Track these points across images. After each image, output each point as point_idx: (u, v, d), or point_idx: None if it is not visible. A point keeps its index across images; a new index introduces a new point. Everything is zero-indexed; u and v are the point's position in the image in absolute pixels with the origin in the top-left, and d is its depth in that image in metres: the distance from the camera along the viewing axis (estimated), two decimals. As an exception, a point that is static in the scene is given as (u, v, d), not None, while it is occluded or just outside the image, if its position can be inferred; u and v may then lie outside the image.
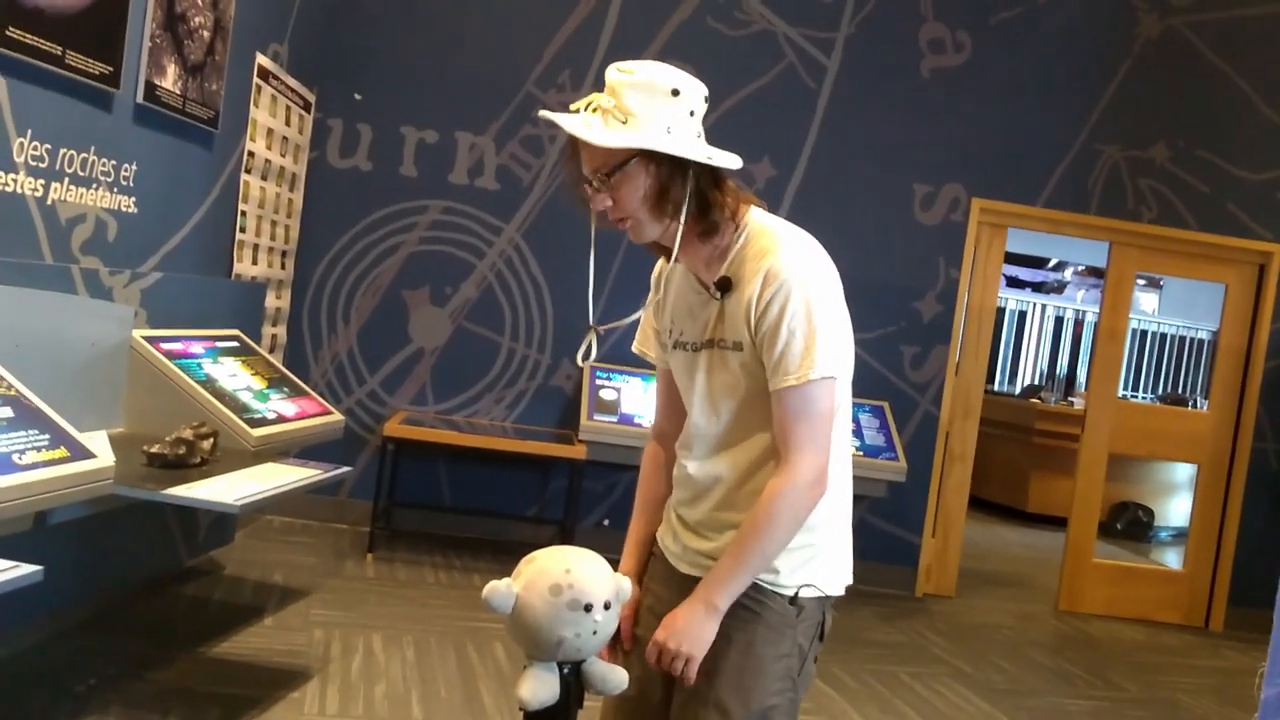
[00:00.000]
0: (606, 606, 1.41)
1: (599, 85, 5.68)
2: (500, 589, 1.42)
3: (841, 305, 1.76)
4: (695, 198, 1.72)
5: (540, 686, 1.42)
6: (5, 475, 2.53)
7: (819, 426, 1.68)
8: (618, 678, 1.51)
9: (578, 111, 1.71)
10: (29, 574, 2.17)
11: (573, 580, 1.40)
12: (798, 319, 1.67)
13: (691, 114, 1.72)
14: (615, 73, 1.72)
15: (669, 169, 1.70)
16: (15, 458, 2.61)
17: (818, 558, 1.78)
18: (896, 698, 4.30)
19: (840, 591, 1.83)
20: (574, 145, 1.75)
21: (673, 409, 1.92)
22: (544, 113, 1.75)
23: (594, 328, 1.81)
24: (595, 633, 1.41)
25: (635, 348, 1.96)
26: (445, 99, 5.82)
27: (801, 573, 1.76)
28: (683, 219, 1.72)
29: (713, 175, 1.74)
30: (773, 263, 1.70)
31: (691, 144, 1.71)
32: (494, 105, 5.81)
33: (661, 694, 1.84)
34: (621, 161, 1.68)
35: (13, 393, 2.82)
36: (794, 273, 1.70)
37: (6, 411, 2.73)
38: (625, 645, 1.85)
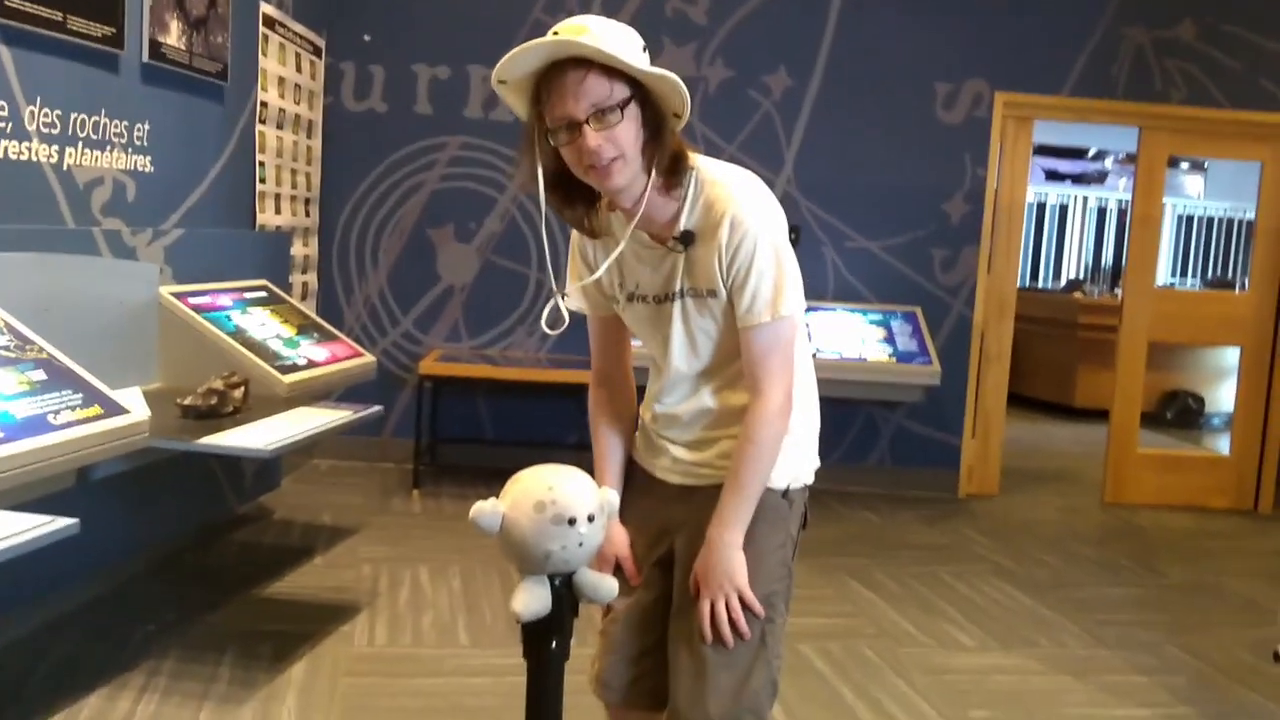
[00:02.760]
0: (590, 519, 1.46)
1: (609, 6, 5.62)
2: (486, 509, 1.47)
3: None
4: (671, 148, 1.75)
5: (532, 599, 1.48)
6: (41, 435, 2.62)
7: (785, 358, 1.82)
8: (608, 586, 1.56)
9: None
10: (66, 527, 2.25)
11: (555, 496, 1.45)
12: (766, 262, 1.76)
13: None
14: (588, 19, 1.68)
15: (654, 115, 1.71)
16: (50, 418, 2.70)
17: (797, 453, 1.91)
18: (939, 598, 4.35)
19: (812, 479, 1.97)
20: (543, 93, 1.68)
21: (612, 352, 2.03)
22: (560, 34, 1.65)
23: (558, 293, 1.88)
24: (581, 544, 1.46)
25: (569, 305, 1.92)
26: (454, 33, 5.80)
27: (788, 469, 1.89)
28: (653, 172, 1.74)
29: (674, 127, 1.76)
30: (735, 210, 1.76)
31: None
32: (503, 35, 5.70)
33: (657, 593, 1.94)
34: (627, 99, 1.67)
35: (44, 355, 2.91)
36: (756, 219, 1.77)
37: (39, 374, 2.82)
38: (632, 581, 1.94)
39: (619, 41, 1.67)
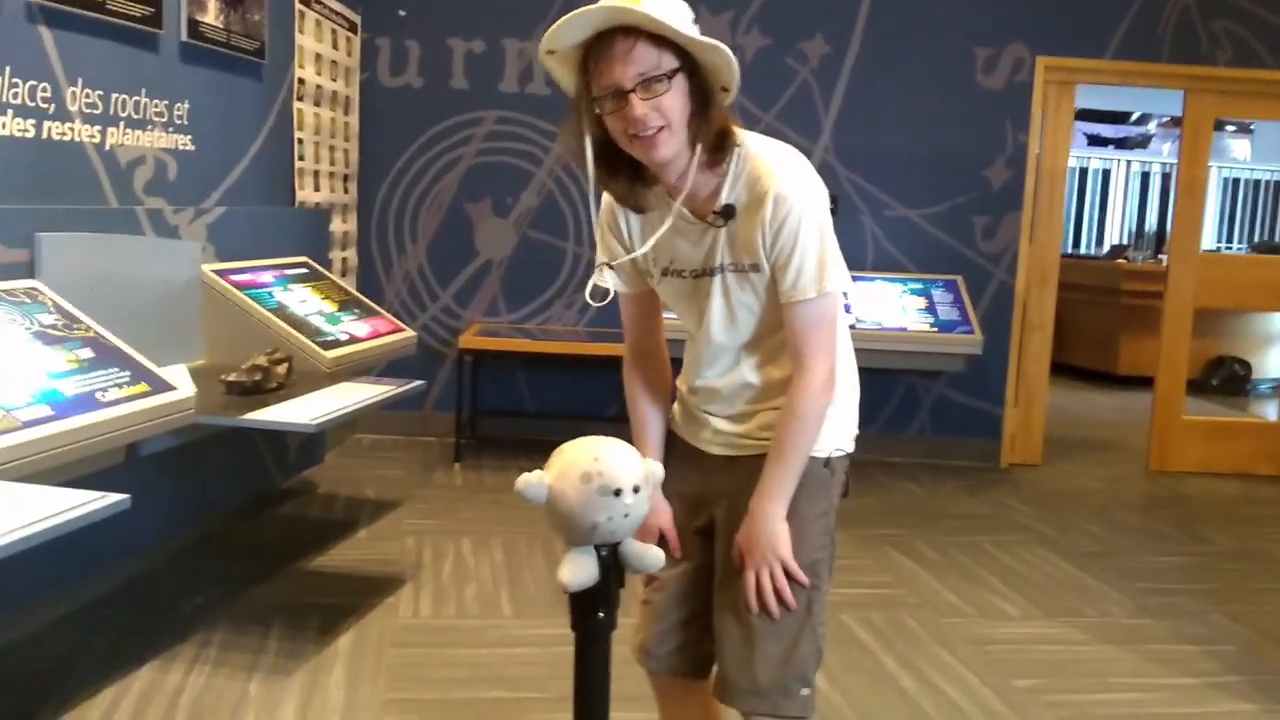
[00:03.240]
0: (636, 490, 1.46)
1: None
2: (533, 481, 1.47)
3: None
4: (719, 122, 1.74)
5: (579, 569, 1.48)
6: (90, 412, 2.67)
7: (830, 332, 1.81)
8: (653, 556, 1.56)
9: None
10: (117, 502, 2.28)
11: (601, 468, 1.45)
12: (810, 238, 1.75)
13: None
14: None
15: (704, 85, 1.70)
16: (99, 395, 2.74)
17: (839, 422, 1.91)
18: (980, 566, 4.33)
19: (853, 447, 1.97)
20: (590, 62, 1.67)
21: (646, 327, 2.03)
22: (603, 5, 1.63)
23: (604, 264, 1.89)
24: (626, 515, 1.46)
25: (602, 283, 1.94)
26: (488, 7, 5.79)
27: (830, 439, 1.89)
28: (698, 147, 1.72)
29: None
30: (779, 187, 1.74)
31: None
32: (537, 9, 5.74)
33: (700, 561, 1.95)
34: (676, 69, 1.66)
35: (91, 334, 2.95)
36: (801, 195, 1.75)
37: (86, 353, 2.86)
38: (675, 553, 1.94)
39: (670, 10, 1.65)
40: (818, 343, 1.79)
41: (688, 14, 1.69)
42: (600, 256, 1.95)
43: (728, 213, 1.78)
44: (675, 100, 1.67)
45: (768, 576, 1.81)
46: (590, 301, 1.84)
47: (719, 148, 1.74)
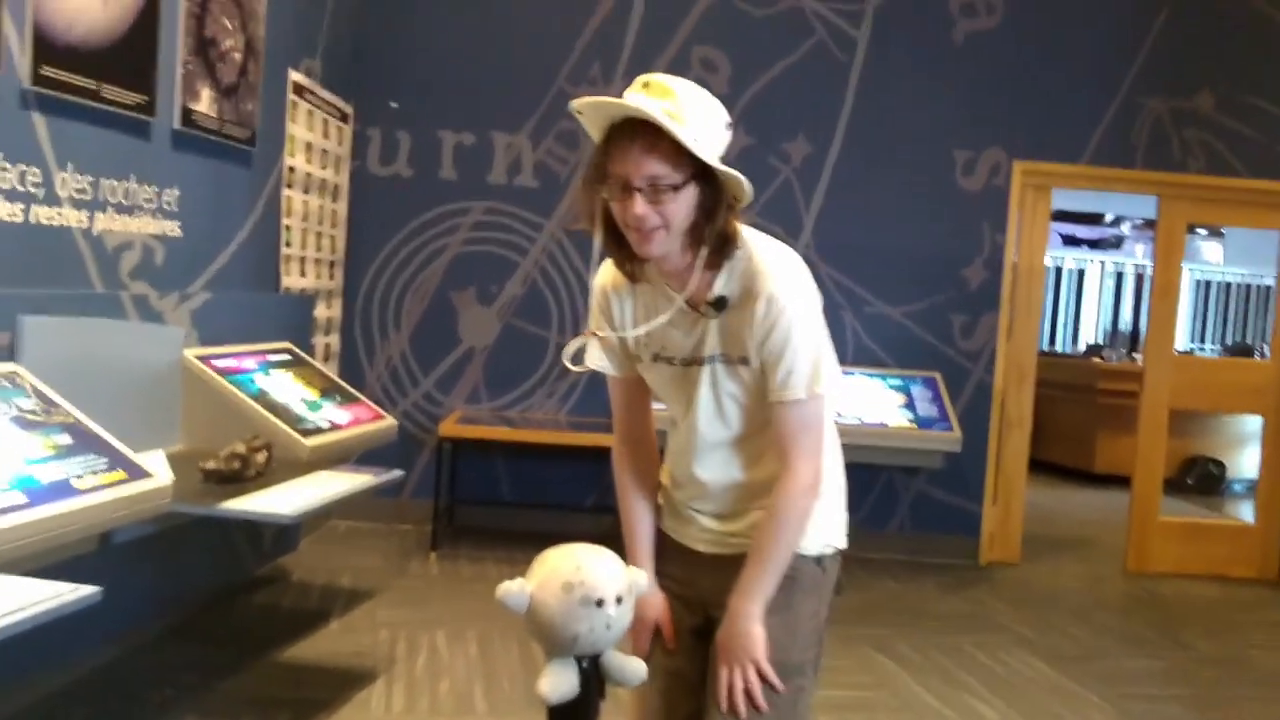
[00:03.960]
0: (619, 601, 1.45)
1: (630, 76, 5.66)
2: (513, 589, 1.47)
3: None
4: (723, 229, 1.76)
5: (560, 681, 1.47)
6: (66, 500, 2.63)
7: (818, 434, 1.83)
8: (634, 668, 1.55)
9: (640, 95, 1.69)
10: (88, 595, 2.25)
11: (584, 577, 1.44)
12: (803, 340, 1.77)
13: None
14: (678, 83, 1.70)
15: (714, 197, 1.72)
16: (74, 482, 2.71)
17: (829, 520, 1.92)
18: (961, 669, 4.30)
19: (844, 543, 1.98)
20: (612, 144, 1.70)
21: (636, 410, 2.01)
22: (651, 87, 1.68)
23: (591, 332, 1.90)
24: (609, 627, 1.45)
25: (591, 363, 1.94)
26: (479, 101, 5.88)
27: (819, 536, 1.90)
28: (704, 250, 1.74)
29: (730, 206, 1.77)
30: (772, 287, 1.76)
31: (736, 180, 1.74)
32: (527, 103, 5.87)
33: (697, 662, 1.92)
34: (688, 178, 1.68)
35: (70, 419, 2.93)
36: (794, 297, 1.78)
37: (65, 438, 2.84)
38: (669, 644, 1.92)
39: (701, 120, 1.67)
40: (805, 444, 1.80)
41: (721, 118, 1.72)
42: (591, 326, 1.95)
43: (720, 304, 1.79)
44: (680, 208, 1.69)
45: (740, 677, 1.79)
46: (568, 365, 1.87)
47: (719, 251, 1.76)
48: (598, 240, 1.79)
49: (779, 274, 1.78)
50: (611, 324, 1.91)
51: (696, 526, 1.94)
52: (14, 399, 2.85)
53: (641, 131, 1.66)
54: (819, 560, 1.90)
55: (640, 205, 1.67)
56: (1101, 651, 4.69)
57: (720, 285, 1.79)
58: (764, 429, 1.84)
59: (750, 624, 1.80)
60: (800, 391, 1.77)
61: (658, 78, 1.71)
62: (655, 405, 2.02)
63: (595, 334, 1.90)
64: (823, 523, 1.89)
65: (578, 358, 1.87)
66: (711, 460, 1.89)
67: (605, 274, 1.93)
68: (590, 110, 1.70)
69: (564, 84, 5.81)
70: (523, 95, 5.85)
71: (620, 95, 1.71)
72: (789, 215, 5.88)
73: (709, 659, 1.89)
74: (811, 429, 1.80)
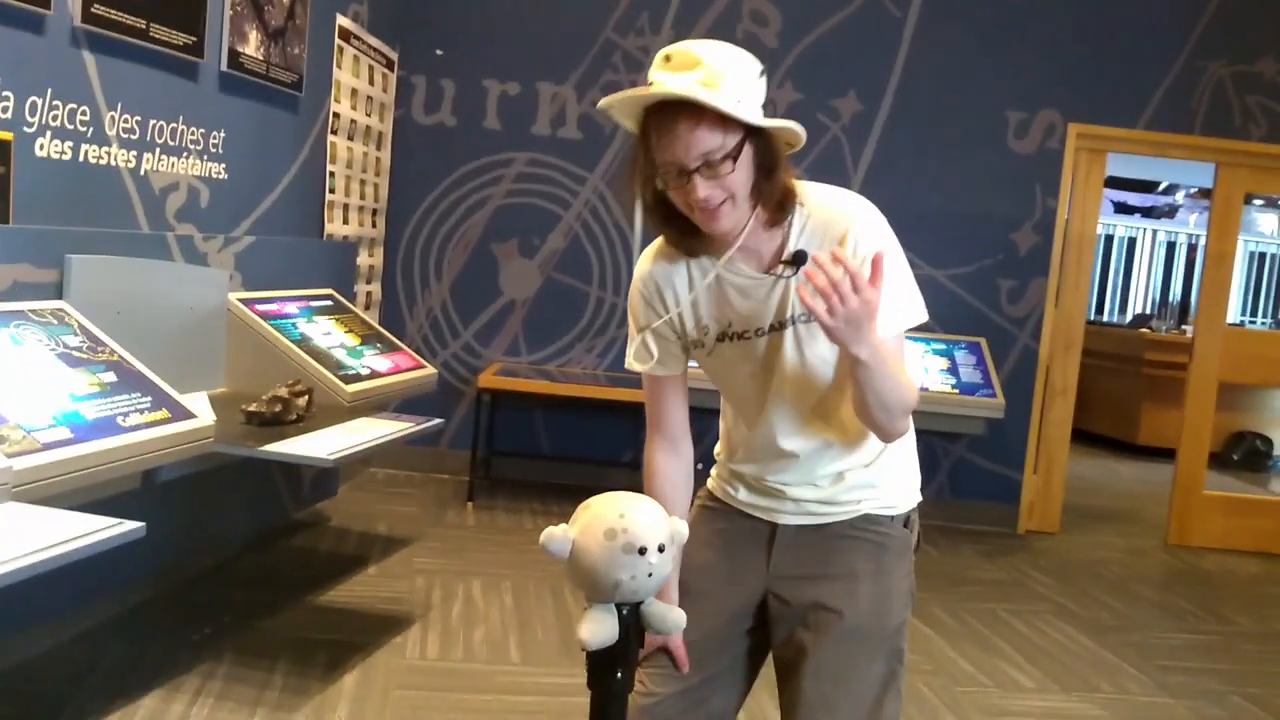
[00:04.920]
0: (660, 549, 1.43)
1: (678, 27, 5.57)
2: (556, 535, 1.45)
3: None
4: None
5: (600, 627, 1.45)
6: (110, 437, 2.65)
7: (904, 366, 1.77)
8: (675, 617, 1.53)
9: (664, 74, 1.60)
10: (133, 530, 2.27)
11: (627, 525, 1.42)
12: (890, 276, 1.68)
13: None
14: (700, 47, 1.61)
15: (769, 152, 1.65)
16: (119, 420, 2.73)
17: (909, 475, 1.92)
18: (996, 635, 4.27)
19: (920, 496, 1.97)
20: (651, 132, 1.61)
21: (677, 412, 1.92)
22: (655, 87, 1.59)
23: (650, 322, 1.83)
24: (650, 575, 1.43)
25: (638, 366, 1.88)
26: (525, 50, 5.83)
27: (903, 494, 1.89)
28: (757, 207, 1.69)
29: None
30: (858, 229, 1.71)
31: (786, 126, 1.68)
32: (573, 54, 5.80)
33: (731, 626, 1.88)
34: (740, 144, 1.60)
35: (115, 358, 2.95)
36: (879, 232, 1.73)
37: (110, 376, 2.86)
38: (681, 668, 1.84)
39: (736, 79, 1.59)
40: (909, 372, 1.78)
41: (753, 69, 1.63)
42: (632, 337, 1.87)
43: (799, 259, 1.71)
44: (739, 176, 1.62)
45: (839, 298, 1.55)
46: (634, 366, 1.86)
47: (780, 208, 1.70)
48: (638, 227, 1.73)
49: (858, 213, 1.73)
50: (658, 311, 1.83)
51: (785, 499, 1.86)
52: (61, 336, 2.86)
53: (681, 111, 1.58)
54: (906, 521, 1.89)
55: (702, 187, 1.60)
56: (1140, 623, 4.64)
57: (794, 242, 1.73)
58: (844, 387, 1.78)
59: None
60: (892, 328, 1.72)
61: (678, 48, 1.62)
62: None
63: (651, 324, 1.81)
64: (903, 478, 1.88)
65: (640, 355, 1.83)
66: (797, 428, 1.82)
67: (646, 263, 1.84)
68: (620, 104, 1.62)
69: (611, 34, 5.74)
70: (569, 45, 5.79)
71: (663, 51, 1.63)
72: (836, 173, 5.79)
73: (778, 647, 1.85)
74: (902, 361, 1.76)
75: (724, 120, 1.58)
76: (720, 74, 1.57)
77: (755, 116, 1.60)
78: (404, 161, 5.85)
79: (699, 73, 1.57)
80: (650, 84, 1.61)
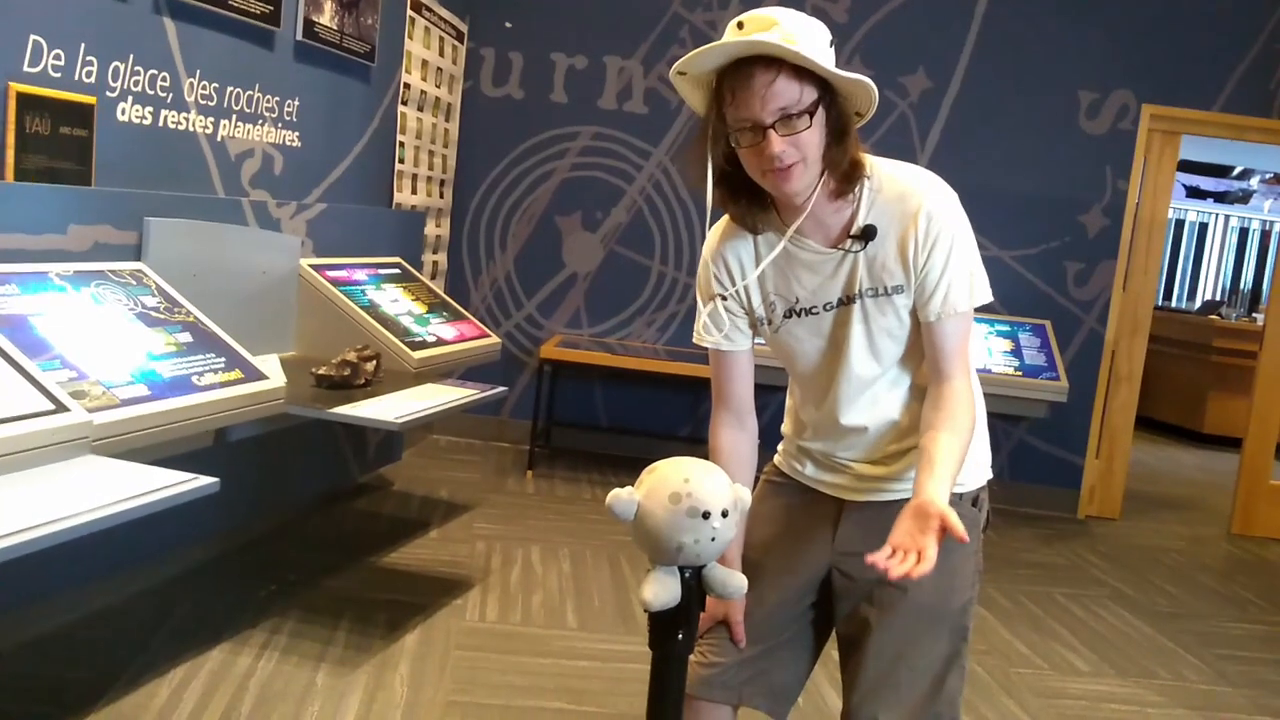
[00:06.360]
0: (724, 514, 1.46)
1: (747, 2, 5.57)
2: (623, 496, 1.48)
3: None
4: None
5: (662, 589, 1.48)
6: (185, 395, 2.73)
7: (969, 346, 1.79)
8: (737, 582, 1.55)
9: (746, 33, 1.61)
10: (207, 485, 2.34)
11: (691, 489, 1.45)
12: (962, 252, 1.73)
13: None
14: (774, 11, 1.62)
15: (841, 116, 1.65)
16: (194, 379, 2.81)
17: (981, 453, 1.90)
18: (1052, 618, 4.25)
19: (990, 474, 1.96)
20: (726, 91, 1.62)
21: (743, 385, 1.92)
22: (747, 28, 1.60)
23: (717, 295, 1.83)
24: (713, 539, 1.46)
25: (706, 340, 1.88)
26: (593, 24, 5.85)
27: (974, 472, 1.88)
28: (825, 174, 1.69)
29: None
30: (930, 204, 1.71)
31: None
32: (641, 28, 5.81)
33: (793, 600, 1.90)
34: (816, 102, 1.61)
35: (191, 319, 3.03)
36: (951, 209, 1.73)
37: (185, 337, 2.94)
38: (738, 642, 1.85)
39: (810, 39, 1.60)
40: (965, 359, 1.76)
41: (825, 36, 1.64)
42: (701, 314, 1.88)
43: (869, 233, 1.72)
44: (814, 134, 1.62)
45: (915, 540, 1.55)
46: (702, 341, 1.86)
47: (848, 178, 1.70)
48: (710, 201, 1.71)
49: (929, 189, 1.73)
50: (734, 282, 1.84)
51: (850, 475, 1.88)
52: (139, 296, 2.95)
53: (756, 67, 1.59)
54: (975, 500, 1.89)
55: (777, 142, 1.60)
56: (1200, 612, 4.59)
57: (864, 216, 1.73)
58: (916, 362, 1.79)
59: (939, 501, 1.57)
60: (962, 304, 1.73)
61: (751, 15, 1.63)
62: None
63: (720, 296, 1.82)
64: (975, 456, 1.85)
65: (711, 324, 1.83)
66: (863, 404, 1.82)
67: (715, 238, 1.86)
68: (696, 62, 1.62)
69: (679, 8, 5.73)
70: (637, 19, 5.80)
71: (735, 20, 1.64)
72: (903, 151, 5.75)
73: (843, 624, 1.86)
74: (967, 340, 1.76)
75: (800, 76, 1.59)
76: (795, 35, 1.59)
77: (832, 66, 1.61)
78: (471, 133, 5.90)
79: (774, 33, 1.58)
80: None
